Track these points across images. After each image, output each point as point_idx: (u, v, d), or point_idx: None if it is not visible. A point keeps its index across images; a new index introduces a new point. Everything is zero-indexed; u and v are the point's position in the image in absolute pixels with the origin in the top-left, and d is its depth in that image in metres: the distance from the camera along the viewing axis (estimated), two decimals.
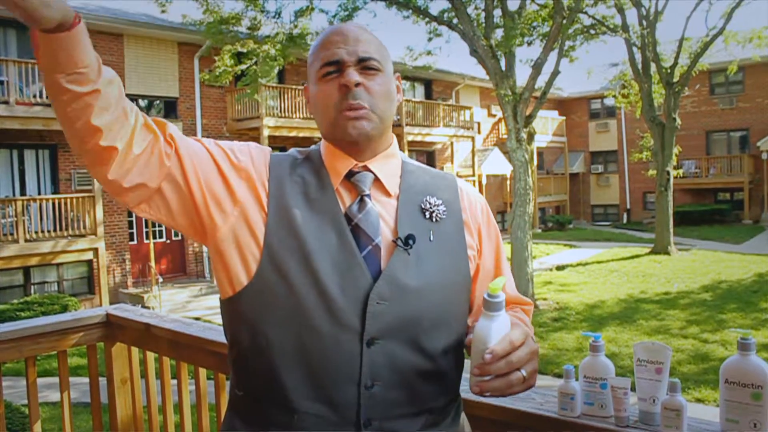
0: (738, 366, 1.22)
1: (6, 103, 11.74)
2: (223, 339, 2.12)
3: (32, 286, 13.03)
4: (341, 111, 1.20)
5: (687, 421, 1.28)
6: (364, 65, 1.21)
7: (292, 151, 1.32)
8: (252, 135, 16.45)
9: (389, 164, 1.28)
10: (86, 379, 2.65)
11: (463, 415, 1.33)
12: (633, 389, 1.34)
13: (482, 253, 1.32)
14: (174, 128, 1.18)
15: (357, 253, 1.17)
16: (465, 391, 1.33)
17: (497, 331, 1.04)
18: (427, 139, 21.05)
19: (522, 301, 1.38)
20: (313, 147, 1.33)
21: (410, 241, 1.19)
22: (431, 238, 1.22)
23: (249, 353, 1.20)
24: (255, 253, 1.17)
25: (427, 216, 1.24)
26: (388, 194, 1.25)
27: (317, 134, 17.06)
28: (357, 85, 1.19)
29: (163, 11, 13.24)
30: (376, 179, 1.25)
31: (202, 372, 2.34)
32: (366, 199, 1.22)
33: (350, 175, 1.24)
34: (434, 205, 1.26)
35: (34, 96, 12.19)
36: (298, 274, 1.14)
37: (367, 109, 1.20)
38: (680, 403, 1.27)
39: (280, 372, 1.15)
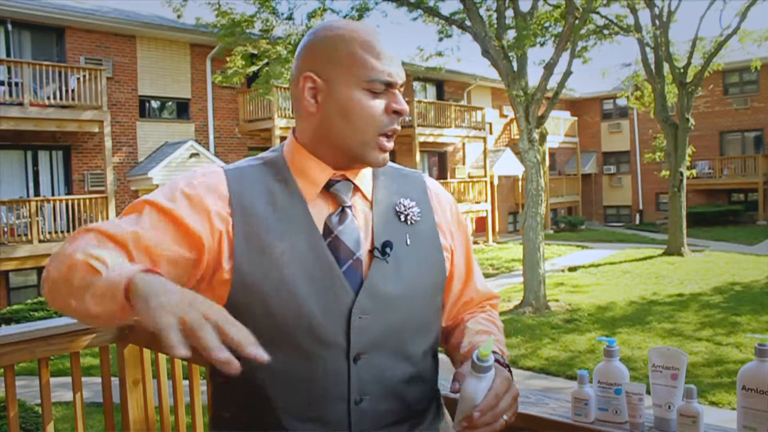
0: (756, 372, 1.20)
1: (20, 104, 11.83)
2: None
3: None
4: (382, 135, 1.16)
5: (704, 428, 1.26)
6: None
7: (247, 160, 1.24)
8: (263, 135, 16.50)
9: (364, 170, 1.24)
10: (99, 379, 2.65)
11: (446, 412, 1.33)
12: (648, 392, 1.32)
13: (454, 253, 1.31)
14: (123, 236, 1.07)
15: (336, 268, 1.13)
16: (444, 387, 1.36)
17: (484, 390, 1.06)
18: (439, 140, 21.02)
19: (490, 296, 1.40)
20: (272, 152, 1.25)
21: (387, 249, 1.16)
22: (408, 242, 1.20)
23: (236, 377, 1.15)
24: (226, 281, 1.11)
25: (402, 219, 1.22)
26: (366, 200, 1.22)
27: None
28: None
29: (179, 16, 13.32)
30: (355, 187, 1.21)
31: None
32: (347, 210, 1.18)
33: (328, 184, 1.19)
34: (408, 208, 1.23)
35: (48, 97, 12.28)
36: (274, 294, 1.10)
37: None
38: (697, 410, 1.25)
39: (268, 394, 1.12)
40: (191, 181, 1.15)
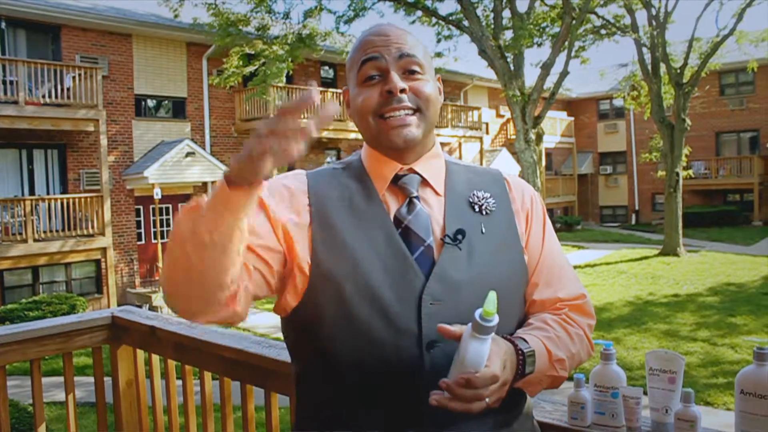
0: (754, 376, 1.19)
1: (15, 103, 11.78)
2: (229, 343, 2.12)
3: (41, 286, 13.08)
4: (383, 118, 1.18)
5: None
6: (409, 68, 1.19)
7: (328, 165, 1.33)
8: None
9: (434, 165, 1.27)
10: (93, 379, 2.64)
11: (534, 415, 1.29)
12: (645, 393, 1.31)
13: (530, 241, 1.28)
14: None
15: (408, 255, 1.16)
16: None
17: (486, 353, 1.00)
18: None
19: (570, 298, 1.27)
20: (352, 155, 1.32)
21: (459, 236, 1.18)
22: (483, 231, 1.21)
23: (312, 372, 1.21)
24: (305, 272, 1.16)
25: (477, 210, 1.24)
26: (436, 194, 1.25)
27: (325, 134, 17.05)
28: (402, 90, 1.17)
29: (175, 16, 13.28)
30: (423, 180, 1.24)
31: (207, 374, 2.32)
32: (414, 200, 1.21)
33: (396, 178, 1.23)
34: (483, 198, 1.25)
35: (44, 96, 12.23)
36: (350, 286, 1.13)
37: (414, 113, 1.19)
38: (694, 414, 1.24)
39: (346, 384, 1.15)
40: (281, 181, 1.25)
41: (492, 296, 1.00)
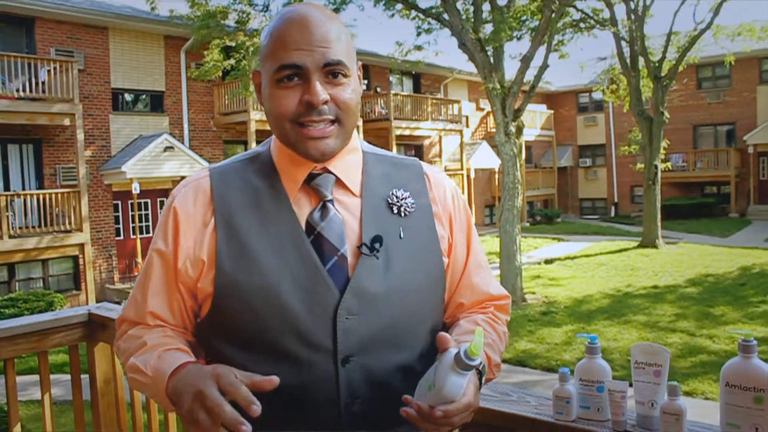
0: (739, 369, 1.18)
1: None
2: None
3: (17, 283, 12.88)
4: (301, 126, 1.07)
5: (687, 425, 1.24)
6: (332, 71, 1.07)
7: (236, 157, 1.21)
8: (239, 129, 16.35)
9: (350, 161, 1.17)
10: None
11: None
12: (631, 386, 1.30)
13: (454, 244, 1.22)
14: (141, 316, 1.17)
15: (320, 267, 1.08)
16: None
17: (461, 387, 0.99)
18: (416, 133, 21.00)
19: (496, 296, 1.27)
20: (261, 146, 1.21)
21: (376, 245, 1.10)
22: (401, 236, 1.13)
23: None
24: (210, 283, 1.09)
25: (395, 211, 1.15)
26: (353, 194, 1.15)
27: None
28: (324, 102, 1.05)
29: (152, 8, 13.09)
30: (338, 180, 1.15)
31: None
32: (329, 204, 1.12)
33: (310, 177, 1.13)
34: (401, 199, 1.16)
35: (18, 90, 12.01)
36: (259, 297, 1.06)
37: (334, 125, 1.08)
38: (680, 408, 1.23)
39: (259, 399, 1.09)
40: (176, 200, 1.15)
41: (479, 335, 0.97)
